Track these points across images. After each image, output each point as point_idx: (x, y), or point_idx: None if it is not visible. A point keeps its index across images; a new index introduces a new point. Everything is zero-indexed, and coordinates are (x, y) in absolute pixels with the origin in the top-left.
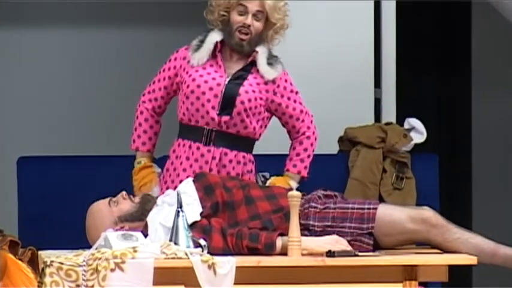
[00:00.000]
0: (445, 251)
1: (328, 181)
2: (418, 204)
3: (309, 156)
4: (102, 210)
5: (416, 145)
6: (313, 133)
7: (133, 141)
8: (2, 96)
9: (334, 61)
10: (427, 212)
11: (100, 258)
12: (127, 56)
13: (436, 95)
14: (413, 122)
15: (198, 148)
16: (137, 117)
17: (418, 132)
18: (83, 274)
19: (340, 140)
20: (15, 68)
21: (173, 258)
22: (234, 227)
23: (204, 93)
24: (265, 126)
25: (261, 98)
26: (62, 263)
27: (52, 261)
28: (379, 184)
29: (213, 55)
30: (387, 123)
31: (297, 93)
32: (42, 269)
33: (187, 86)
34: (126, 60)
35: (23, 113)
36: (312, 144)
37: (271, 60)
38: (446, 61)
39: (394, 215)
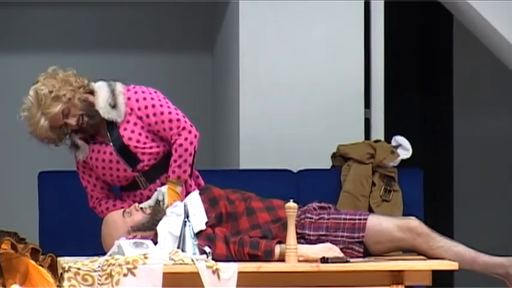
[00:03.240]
0: (429, 257)
1: (322, 194)
2: (404, 215)
3: (185, 160)
4: (116, 220)
5: (402, 161)
6: (186, 139)
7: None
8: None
9: (329, 85)
10: (413, 222)
11: (114, 264)
12: (136, 78)
13: (421, 115)
14: (399, 139)
15: (141, 194)
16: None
17: (404, 148)
18: (98, 279)
19: (333, 156)
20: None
21: (180, 264)
22: (236, 235)
23: (111, 168)
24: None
25: (141, 130)
26: (79, 269)
27: (70, 267)
28: (369, 196)
29: (87, 139)
30: (376, 141)
31: (153, 106)
32: (61, 274)
33: (96, 174)
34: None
35: None
36: (186, 150)
37: (113, 100)
38: (430, 84)
39: (382, 224)
